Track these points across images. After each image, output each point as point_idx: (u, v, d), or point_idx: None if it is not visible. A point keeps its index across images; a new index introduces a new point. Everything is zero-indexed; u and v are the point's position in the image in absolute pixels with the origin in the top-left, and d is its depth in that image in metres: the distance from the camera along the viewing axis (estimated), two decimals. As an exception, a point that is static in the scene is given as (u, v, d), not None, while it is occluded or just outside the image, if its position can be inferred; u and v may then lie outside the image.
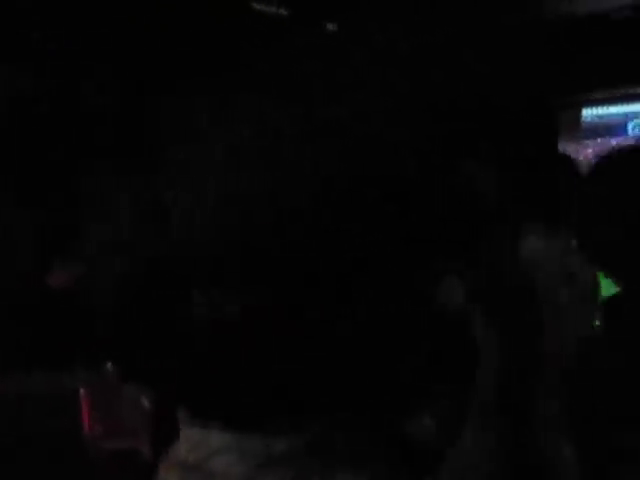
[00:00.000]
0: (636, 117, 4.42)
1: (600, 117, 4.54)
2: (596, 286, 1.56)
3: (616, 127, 4.46)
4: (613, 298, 1.29)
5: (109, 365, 1.60)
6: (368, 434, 0.47)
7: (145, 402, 1.59)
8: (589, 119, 4.48)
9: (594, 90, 4.35)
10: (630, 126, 4.44)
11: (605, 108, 4.55)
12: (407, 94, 0.45)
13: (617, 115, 4.43)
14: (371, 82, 0.44)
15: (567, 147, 4.06)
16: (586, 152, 4.39)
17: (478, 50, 0.59)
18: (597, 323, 1.49)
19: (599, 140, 4.47)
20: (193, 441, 0.45)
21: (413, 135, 0.44)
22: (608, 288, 1.46)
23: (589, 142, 4.44)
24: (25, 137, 2.66)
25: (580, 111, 4.40)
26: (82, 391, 1.58)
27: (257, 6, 3.44)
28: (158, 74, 3.03)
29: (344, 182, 0.41)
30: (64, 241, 1.76)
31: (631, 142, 4.04)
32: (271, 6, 3.53)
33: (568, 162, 1.77)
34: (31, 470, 1.45)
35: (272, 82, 0.44)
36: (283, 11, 3.54)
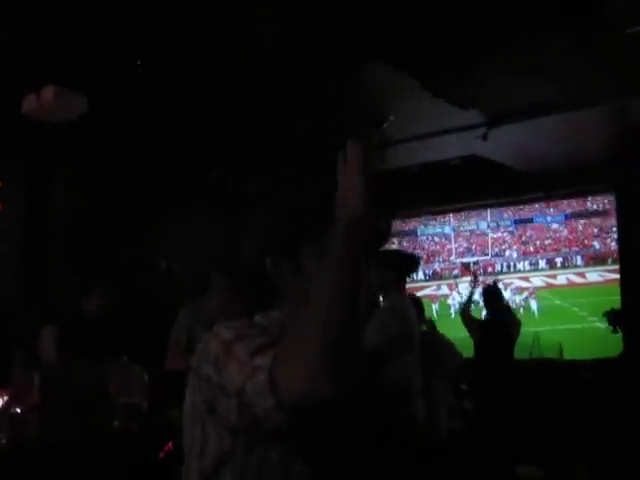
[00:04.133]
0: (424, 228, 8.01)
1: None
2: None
3: (410, 232, 7.92)
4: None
5: (124, 357, 2.81)
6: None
7: (145, 377, 2.75)
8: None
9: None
10: (419, 232, 7.96)
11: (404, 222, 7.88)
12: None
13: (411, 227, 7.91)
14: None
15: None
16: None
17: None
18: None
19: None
20: None
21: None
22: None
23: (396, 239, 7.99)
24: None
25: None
26: (108, 369, 2.75)
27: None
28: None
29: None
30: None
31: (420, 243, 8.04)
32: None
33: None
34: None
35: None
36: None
